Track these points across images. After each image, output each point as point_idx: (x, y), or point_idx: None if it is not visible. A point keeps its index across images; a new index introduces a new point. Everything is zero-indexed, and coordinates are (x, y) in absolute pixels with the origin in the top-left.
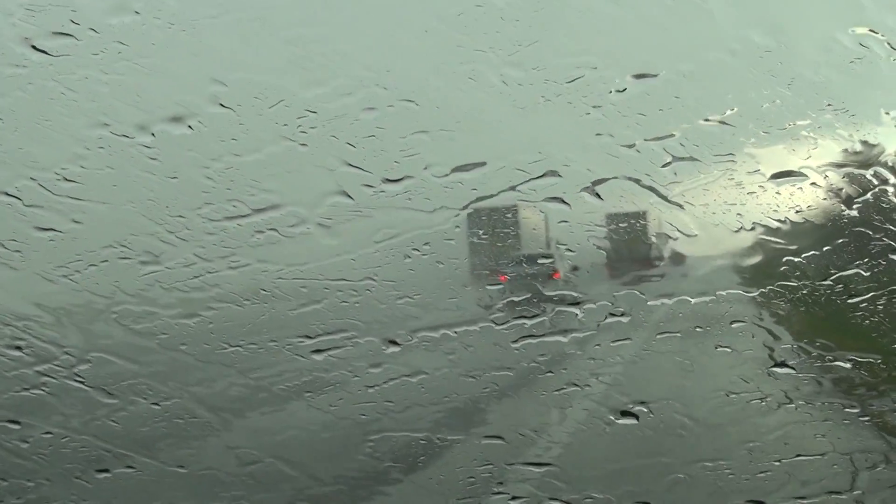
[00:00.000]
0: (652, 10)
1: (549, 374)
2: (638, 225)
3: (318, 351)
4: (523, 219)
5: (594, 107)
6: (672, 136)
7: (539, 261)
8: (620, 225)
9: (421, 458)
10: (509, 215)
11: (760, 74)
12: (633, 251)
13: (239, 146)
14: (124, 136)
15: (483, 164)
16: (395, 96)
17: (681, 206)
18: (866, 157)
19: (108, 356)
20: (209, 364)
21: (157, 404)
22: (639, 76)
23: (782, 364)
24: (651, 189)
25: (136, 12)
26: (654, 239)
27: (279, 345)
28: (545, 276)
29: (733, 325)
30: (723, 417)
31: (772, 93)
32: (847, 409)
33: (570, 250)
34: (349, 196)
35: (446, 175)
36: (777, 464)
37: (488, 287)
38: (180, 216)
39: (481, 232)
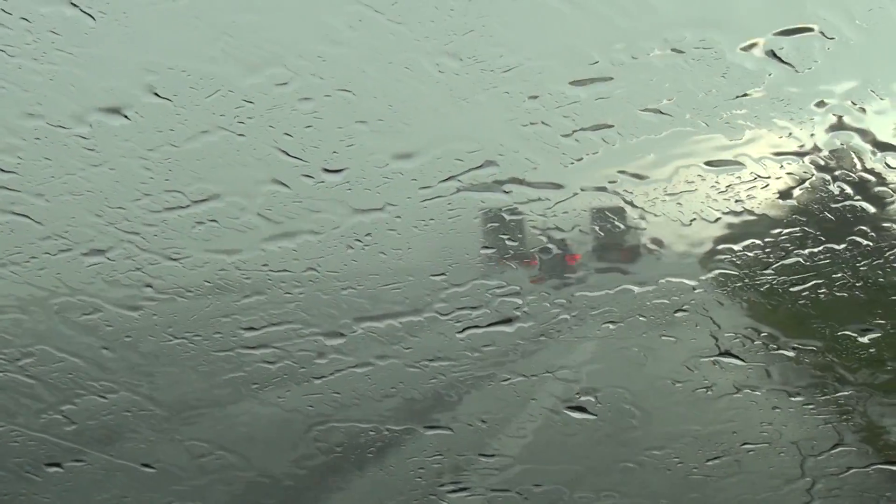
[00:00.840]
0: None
1: (496, 365)
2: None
3: (263, 343)
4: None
5: (531, 97)
6: (610, 126)
7: (555, 248)
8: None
9: (370, 449)
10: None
11: (696, 64)
12: (580, 241)
13: (176, 136)
14: (60, 126)
15: (421, 154)
16: (331, 86)
17: (622, 197)
18: (803, 147)
19: (52, 350)
20: (155, 357)
21: (103, 397)
22: (576, 66)
23: (727, 353)
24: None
25: (70, 2)
26: (599, 230)
27: (224, 336)
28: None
29: (677, 315)
30: (670, 407)
31: (707, 82)
32: (792, 398)
33: (512, 240)
34: (288, 186)
35: (386, 165)
36: (725, 452)
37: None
38: (120, 207)
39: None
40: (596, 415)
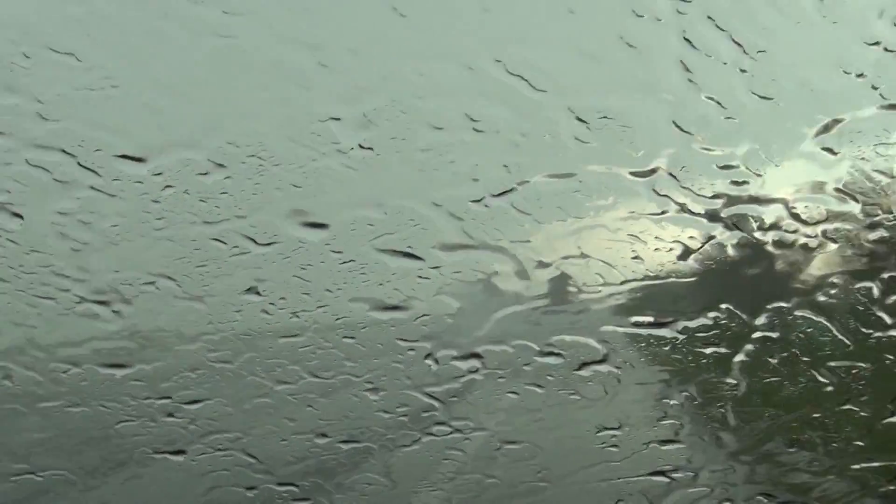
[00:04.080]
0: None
1: (408, 426)
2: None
3: (247, 398)
4: None
5: (451, 162)
6: (517, 189)
7: None
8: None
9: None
10: None
11: (600, 133)
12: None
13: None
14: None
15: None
16: (244, 153)
17: (584, 256)
18: (704, 211)
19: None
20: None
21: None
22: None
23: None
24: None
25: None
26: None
27: (212, 396)
28: None
29: (582, 373)
30: (583, 468)
31: (611, 151)
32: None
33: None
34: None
35: (299, 232)
36: None
37: None
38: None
39: None
40: (506, 476)
